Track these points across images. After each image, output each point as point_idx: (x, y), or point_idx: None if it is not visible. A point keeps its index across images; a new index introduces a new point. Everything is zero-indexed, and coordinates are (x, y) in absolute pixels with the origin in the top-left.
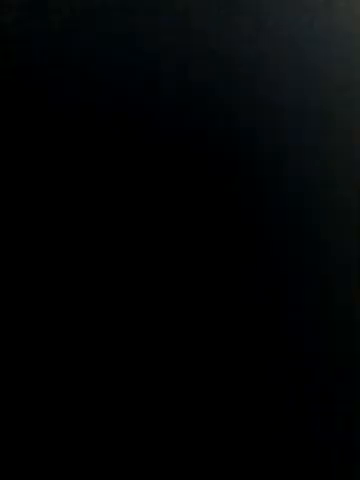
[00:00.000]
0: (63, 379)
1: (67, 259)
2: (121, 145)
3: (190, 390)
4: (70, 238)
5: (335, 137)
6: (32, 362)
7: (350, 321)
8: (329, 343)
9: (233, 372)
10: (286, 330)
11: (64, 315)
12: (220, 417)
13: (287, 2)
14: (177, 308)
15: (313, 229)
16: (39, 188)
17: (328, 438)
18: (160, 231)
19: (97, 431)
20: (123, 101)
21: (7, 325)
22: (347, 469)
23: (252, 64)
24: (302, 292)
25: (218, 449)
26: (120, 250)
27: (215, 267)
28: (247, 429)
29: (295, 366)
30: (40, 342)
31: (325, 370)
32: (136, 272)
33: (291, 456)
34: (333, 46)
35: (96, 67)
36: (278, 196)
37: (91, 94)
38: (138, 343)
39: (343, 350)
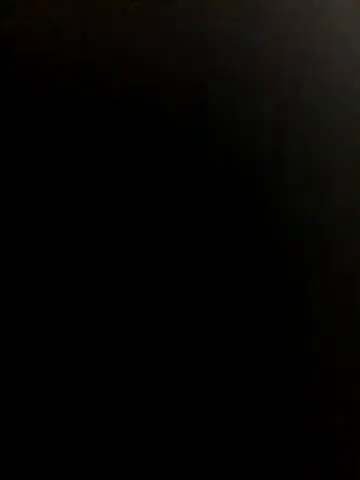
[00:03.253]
0: (63, 379)
1: (67, 249)
2: (120, 143)
3: (189, 389)
4: (69, 230)
5: (335, 135)
6: (32, 361)
7: (351, 320)
8: (329, 343)
9: (232, 372)
10: (286, 328)
11: (64, 314)
12: (220, 413)
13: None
14: (176, 302)
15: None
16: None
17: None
18: (160, 230)
19: (97, 430)
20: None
21: (7, 325)
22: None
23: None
24: (303, 290)
25: (218, 445)
26: (120, 247)
27: (215, 263)
28: (246, 429)
29: (295, 364)
30: (40, 341)
31: (325, 369)
32: (137, 264)
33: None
34: (334, 44)
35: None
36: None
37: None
38: (138, 340)
39: (343, 351)
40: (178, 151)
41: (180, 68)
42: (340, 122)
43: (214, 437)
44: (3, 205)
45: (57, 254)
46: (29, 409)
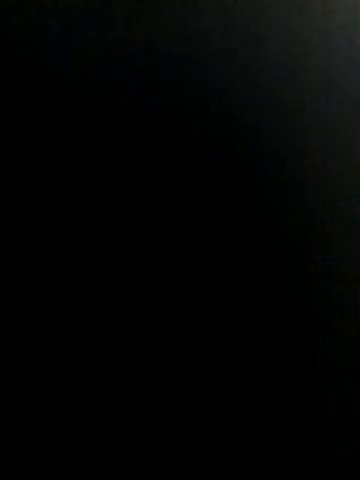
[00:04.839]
0: (63, 379)
1: (67, 250)
2: (120, 143)
3: (190, 389)
4: (69, 230)
5: (335, 135)
6: (32, 362)
7: (351, 319)
8: (329, 341)
9: (231, 372)
10: (286, 327)
11: (64, 314)
12: (220, 413)
13: (287, 2)
14: (177, 301)
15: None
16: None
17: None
18: (160, 229)
19: (97, 431)
20: (123, 100)
21: (7, 325)
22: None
23: (252, 64)
24: (304, 291)
25: (219, 445)
26: (121, 247)
27: (215, 263)
28: (246, 428)
29: (296, 363)
30: (40, 342)
31: (325, 369)
32: (137, 262)
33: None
34: (333, 46)
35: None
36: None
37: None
38: (138, 340)
39: (343, 350)
40: (177, 150)
41: (179, 69)
42: (341, 121)
43: (215, 437)
44: (3, 203)
45: (57, 251)
46: (29, 409)
